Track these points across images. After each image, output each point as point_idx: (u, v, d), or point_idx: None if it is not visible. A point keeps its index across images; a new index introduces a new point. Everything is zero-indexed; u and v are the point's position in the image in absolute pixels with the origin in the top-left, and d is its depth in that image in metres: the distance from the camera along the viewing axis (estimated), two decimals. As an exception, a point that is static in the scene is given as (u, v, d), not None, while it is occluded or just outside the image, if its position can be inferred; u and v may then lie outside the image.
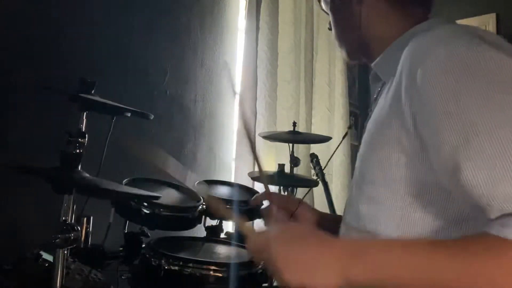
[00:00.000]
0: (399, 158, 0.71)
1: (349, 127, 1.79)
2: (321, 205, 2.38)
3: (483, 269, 0.57)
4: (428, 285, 0.60)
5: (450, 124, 0.61)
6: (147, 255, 1.26)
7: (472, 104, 0.60)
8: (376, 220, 0.75)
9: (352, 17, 0.88)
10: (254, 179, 2.01)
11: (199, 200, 1.55)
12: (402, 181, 0.71)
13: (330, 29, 0.99)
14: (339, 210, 2.20)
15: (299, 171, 2.15)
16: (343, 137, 1.42)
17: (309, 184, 2.14)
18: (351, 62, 1.05)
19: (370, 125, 0.82)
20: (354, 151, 2.27)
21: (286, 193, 2.01)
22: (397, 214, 0.72)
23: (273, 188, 2.08)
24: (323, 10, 0.99)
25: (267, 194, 1.07)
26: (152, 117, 1.37)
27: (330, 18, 0.96)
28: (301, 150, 2.60)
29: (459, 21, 0.82)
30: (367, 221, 0.77)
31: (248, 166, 2.44)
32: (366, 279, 0.63)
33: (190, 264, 1.21)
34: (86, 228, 1.43)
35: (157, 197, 1.20)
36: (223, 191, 1.85)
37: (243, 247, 1.51)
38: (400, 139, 0.70)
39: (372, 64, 0.87)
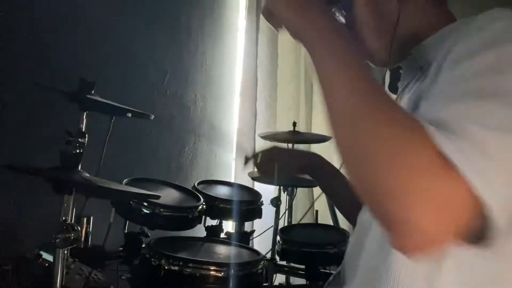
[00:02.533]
0: None
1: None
2: (321, 205, 2.38)
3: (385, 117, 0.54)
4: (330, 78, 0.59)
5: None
6: (147, 255, 1.26)
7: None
8: None
9: (389, 16, 0.80)
10: (254, 179, 2.01)
11: (199, 200, 1.55)
12: None
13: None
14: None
15: (299, 171, 2.15)
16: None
17: (309, 184, 2.14)
18: (389, 67, 0.95)
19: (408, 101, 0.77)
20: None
21: (286, 193, 2.01)
22: None
23: (273, 188, 2.08)
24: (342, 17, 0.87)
25: None
26: (152, 117, 1.37)
27: (363, 23, 0.83)
28: (301, 150, 2.60)
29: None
30: None
31: (248, 166, 2.43)
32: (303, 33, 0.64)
33: (190, 264, 1.21)
34: (86, 228, 1.43)
35: (157, 197, 1.20)
36: (223, 191, 1.85)
37: (243, 247, 1.52)
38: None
39: (413, 49, 0.80)
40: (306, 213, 2.09)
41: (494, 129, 0.51)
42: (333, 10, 0.87)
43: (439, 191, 0.49)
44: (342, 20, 0.86)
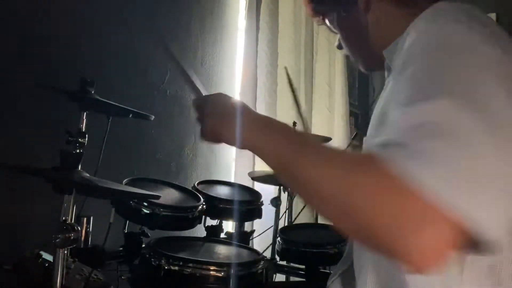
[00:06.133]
0: None
1: (357, 132, 1.78)
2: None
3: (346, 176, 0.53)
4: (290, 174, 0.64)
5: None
6: (147, 255, 1.26)
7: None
8: None
9: (362, 27, 0.86)
10: (254, 179, 2.01)
11: (199, 200, 1.55)
12: None
13: (339, 47, 0.96)
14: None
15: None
16: (353, 138, 1.41)
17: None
18: (370, 72, 1.02)
19: (377, 109, 0.80)
20: (355, 151, 2.26)
21: (286, 193, 2.01)
22: None
23: (273, 188, 2.08)
24: (331, 30, 0.96)
25: None
26: (152, 117, 1.37)
27: (340, 34, 0.94)
28: (301, 150, 2.60)
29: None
30: None
31: (248, 166, 2.44)
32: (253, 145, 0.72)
33: (190, 264, 1.21)
34: (86, 228, 1.43)
35: (157, 197, 1.20)
36: (223, 191, 1.85)
37: (243, 247, 1.52)
38: None
39: (384, 51, 0.83)
40: (301, 211, 2.09)
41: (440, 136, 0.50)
42: (327, 23, 0.95)
43: (409, 213, 0.48)
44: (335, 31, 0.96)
